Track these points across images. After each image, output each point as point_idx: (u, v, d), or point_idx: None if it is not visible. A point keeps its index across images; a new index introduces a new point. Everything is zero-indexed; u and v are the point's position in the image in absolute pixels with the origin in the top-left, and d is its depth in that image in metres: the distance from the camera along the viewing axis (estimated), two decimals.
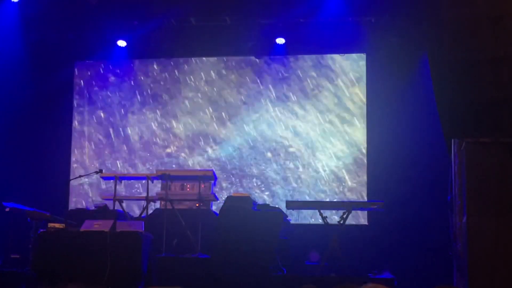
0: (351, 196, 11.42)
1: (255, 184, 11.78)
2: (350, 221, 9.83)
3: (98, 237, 8.12)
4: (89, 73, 12.68)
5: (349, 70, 11.85)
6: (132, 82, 12.52)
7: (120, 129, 12.40)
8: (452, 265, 8.11)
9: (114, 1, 11.23)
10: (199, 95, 12.26)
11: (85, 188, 12.20)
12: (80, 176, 10.03)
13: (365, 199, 11.27)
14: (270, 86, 12.05)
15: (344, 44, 11.71)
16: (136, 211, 11.11)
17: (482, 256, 6.69)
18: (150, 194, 9.71)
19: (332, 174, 11.60)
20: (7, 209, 9.39)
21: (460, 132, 7.41)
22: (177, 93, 12.34)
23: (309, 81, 11.94)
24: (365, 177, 11.46)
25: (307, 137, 11.79)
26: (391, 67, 11.40)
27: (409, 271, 9.93)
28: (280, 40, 11.84)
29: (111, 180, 10.27)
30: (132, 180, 11.60)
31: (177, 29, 11.85)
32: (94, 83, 12.63)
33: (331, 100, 11.82)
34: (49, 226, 8.47)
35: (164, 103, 12.35)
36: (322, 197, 11.47)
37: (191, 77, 12.34)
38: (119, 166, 12.20)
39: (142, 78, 12.50)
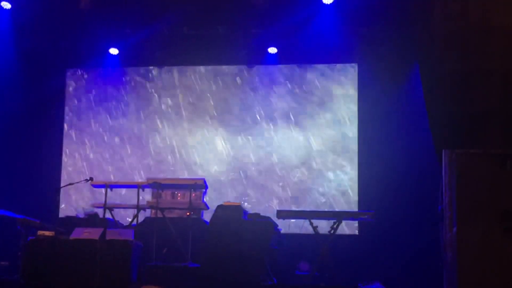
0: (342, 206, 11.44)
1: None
2: (341, 231, 9.83)
3: (87, 245, 8.12)
4: (80, 81, 12.65)
5: (341, 80, 11.87)
6: (123, 90, 12.49)
7: (112, 136, 12.37)
8: (442, 276, 8.11)
9: (106, 9, 11.20)
10: (191, 103, 12.26)
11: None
12: (70, 184, 9.99)
13: (356, 209, 11.28)
14: (262, 97, 12.05)
15: (335, 54, 11.74)
16: (126, 219, 11.08)
17: (471, 267, 6.70)
18: (140, 203, 9.68)
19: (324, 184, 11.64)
20: None
21: (451, 143, 7.42)
22: (168, 101, 12.32)
23: (300, 91, 11.96)
24: (356, 187, 11.48)
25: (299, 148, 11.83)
26: (382, 77, 11.45)
27: (399, 282, 9.91)
28: (272, 50, 11.87)
29: (102, 188, 10.23)
30: (122, 188, 11.55)
31: (170, 38, 11.86)
32: (85, 90, 12.60)
33: (322, 110, 11.84)
34: (38, 233, 8.46)
35: (155, 111, 12.33)
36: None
37: (182, 85, 12.33)
38: (109, 173, 12.15)
39: (133, 86, 12.48)
